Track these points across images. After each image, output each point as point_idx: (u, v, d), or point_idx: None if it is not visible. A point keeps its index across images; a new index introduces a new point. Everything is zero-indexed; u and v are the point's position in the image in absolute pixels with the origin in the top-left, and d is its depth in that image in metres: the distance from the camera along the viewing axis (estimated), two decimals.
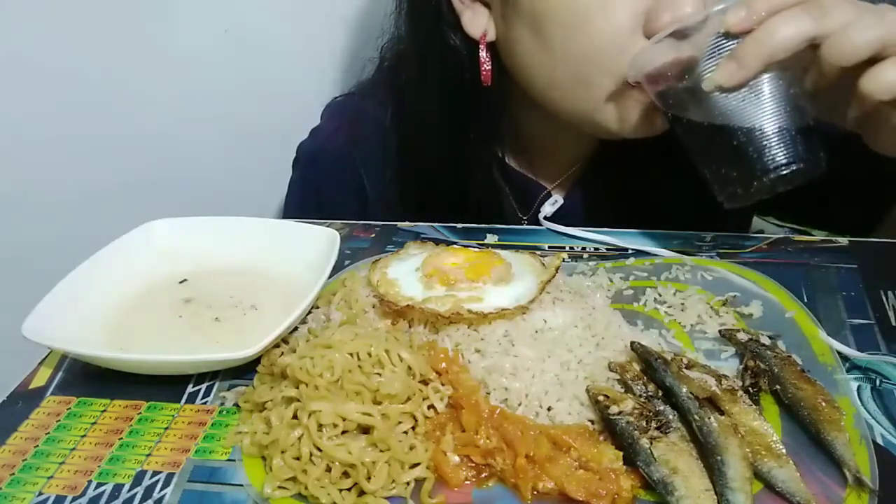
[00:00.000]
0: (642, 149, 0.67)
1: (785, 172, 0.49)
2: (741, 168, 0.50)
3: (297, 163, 0.81)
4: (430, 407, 0.44)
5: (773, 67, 0.48)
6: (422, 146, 0.73)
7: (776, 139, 0.49)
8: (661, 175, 0.71)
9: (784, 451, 0.40)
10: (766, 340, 0.48)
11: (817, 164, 0.49)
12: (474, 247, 0.63)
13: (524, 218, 0.78)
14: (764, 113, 0.49)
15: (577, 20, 0.57)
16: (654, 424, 0.41)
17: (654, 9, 0.55)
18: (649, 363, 0.45)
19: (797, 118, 0.49)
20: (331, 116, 0.82)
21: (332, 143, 0.79)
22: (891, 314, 0.52)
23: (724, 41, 0.49)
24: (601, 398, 0.43)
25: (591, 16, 0.57)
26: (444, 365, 0.46)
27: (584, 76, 0.60)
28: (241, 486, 0.41)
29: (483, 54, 0.64)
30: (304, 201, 0.81)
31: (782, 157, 0.48)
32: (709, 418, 0.41)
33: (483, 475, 0.41)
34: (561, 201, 0.74)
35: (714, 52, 0.50)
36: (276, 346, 0.50)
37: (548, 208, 0.73)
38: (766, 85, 0.49)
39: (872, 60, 0.46)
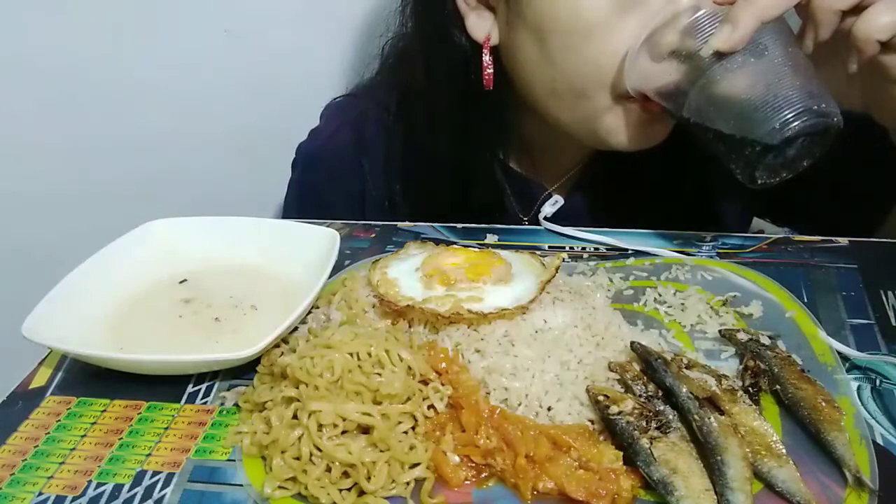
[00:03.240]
0: (642, 151, 0.68)
1: (796, 124, 0.47)
2: (754, 133, 0.49)
3: (297, 164, 0.81)
4: (430, 407, 0.44)
5: (768, 28, 0.49)
6: (424, 145, 0.73)
7: (781, 94, 0.48)
8: (660, 176, 0.71)
9: (784, 451, 0.40)
10: (766, 340, 0.48)
11: (829, 118, 0.48)
12: (474, 247, 0.63)
13: (525, 218, 0.78)
14: (766, 71, 0.49)
15: (580, 36, 0.57)
16: (654, 424, 0.41)
17: (658, 31, 0.55)
18: (649, 363, 0.45)
19: (801, 75, 0.49)
20: (330, 117, 0.82)
21: (332, 143, 0.79)
22: (891, 314, 0.52)
23: (714, 16, 0.50)
24: (601, 398, 0.43)
25: (594, 33, 0.57)
26: (444, 365, 0.46)
27: (582, 90, 0.60)
28: (241, 486, 0.41)
29: (486, 58, 0.64)
30: (302, 202, 0.81)
31: (790, 111, 0.47)
32: (709, 418, 0.41)
33: (483, 475, 0.41)
34: (561, 202, 0.74)
35: (705, 28, 0.51)
36: (276, 346, 0.50)
37: (548, 209, 0.73)
38: (763, 44, 0.49)
39: (860, 10, 0.47)
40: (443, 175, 0.73)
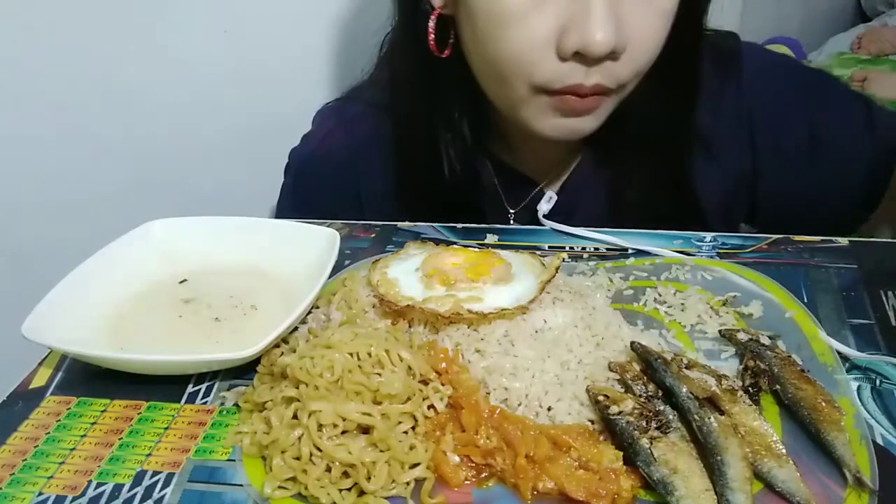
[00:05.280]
0: (633, 147, 0.68)
1: None
2: None
3: (289, 169, 0.82)
4: (430, 407, 0.44)
5: None
6: (407, 137, 0.74)
7: None
8: (652, 174, 0.71)
9: (784, 451, 0.40)
10: (766, 340, 0.48)
11: None
12: (474, 247, 0.63)
13: (512, 212, 0.78)
14: None
15: (498, 24, 0.58)
16: (654, 424, 0.41)
17: (565, 28, 0.56)
18: (649, 363, 0.45)
19: None
20: (322, 121, 0.83)
21: (324, 147, 0.80)
22: (891, 314, 0.52)
23: None
24: (601, 398, 0.43)
25: (509, 23, 0.57)
26: (444, 365, 0.46)
27: (501, 76, 0.61)
28: (241, 486, 0.41)
29: (431, 23, 0.65)
30: (295, 206, 0.81)
31: None
32: (709, 418, 0.41)
33: (483, 475, 0.41)
34: (555, 198, 0.74)
35: None
36: (276, 346, 0.50)
37: (544, 206, 0.73)
38: None
39: None
40: (424, 163, 0.73)
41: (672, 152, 0.70)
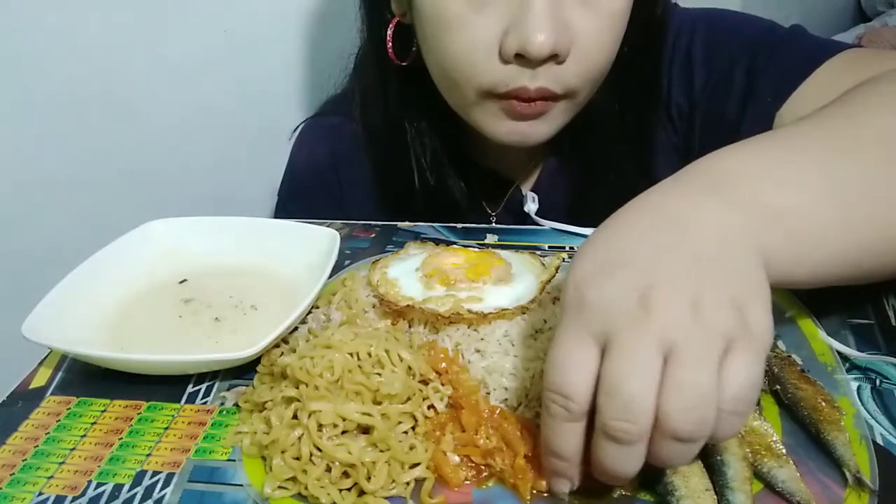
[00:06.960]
0: (607, 144, 0.68)
1: None
2: None
3: (280, 189, 0.83)
4: (430, 407, 0.44)
5: None
6: (379, 142, 0.75)
7: None
8: (617, 173, 0.71)
9: (784, 451, 0.40)
10: None
11: None
12: (474, 247, 0.63)
13: (493, 214, 0.78)
14: None
15: (442, 28, 0.59)
16: None
17: (506, 31, 0.56)
18: None
19: None
20: (302, 141, 0.84)
21: (306, 164, 0.81)
22: (891, 314, 0.52)
23: None
24: None
25: (452, 27, 0.58)
26: (444, 365, 0.46)
27: (451, 81, 0.62)
28: (241, 486, 0.41)
29: (389, 31, 0.66)
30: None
31: None
32: None
33: (483, 475, 0.41)
34: (537, 198, 0.74)
35: None
36: (276, 346, 0.50)
37: (531, 206, 0.73)
38: None
39: None
40: (399, 174, 0.73)
41: (634, 153, 0.71)
